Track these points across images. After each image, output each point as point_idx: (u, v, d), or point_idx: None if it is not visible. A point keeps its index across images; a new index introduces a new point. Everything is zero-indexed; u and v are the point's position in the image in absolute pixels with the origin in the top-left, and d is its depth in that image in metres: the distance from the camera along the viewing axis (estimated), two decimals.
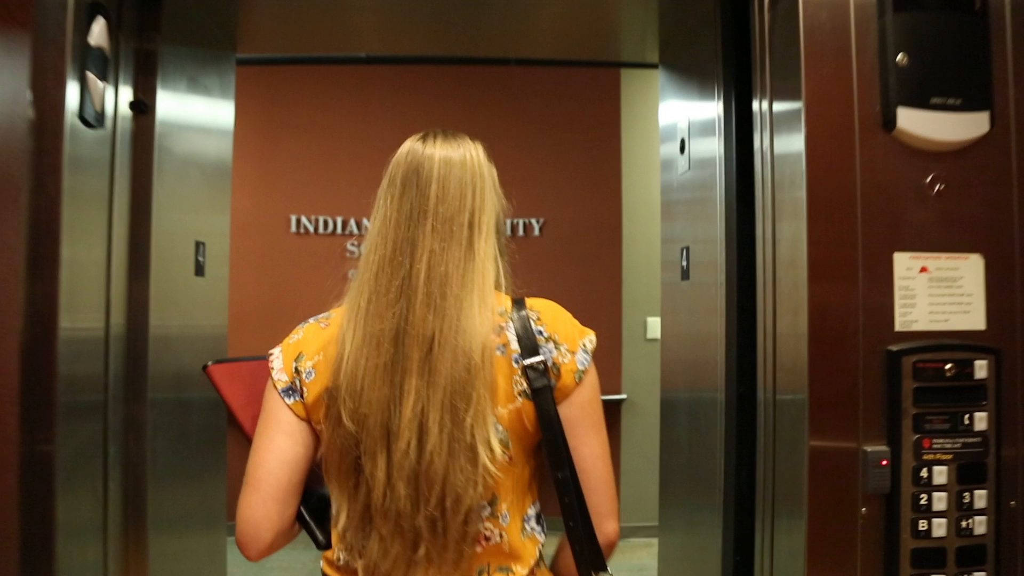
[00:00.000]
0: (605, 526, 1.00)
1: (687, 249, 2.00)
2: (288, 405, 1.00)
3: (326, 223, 4.52)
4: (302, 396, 1.00)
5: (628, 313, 4.46)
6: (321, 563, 1.07)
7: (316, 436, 1.01)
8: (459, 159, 1.01)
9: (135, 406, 1.66)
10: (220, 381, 1.12)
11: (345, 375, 0.95)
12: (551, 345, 0.98)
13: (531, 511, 1.01)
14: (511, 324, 0.98)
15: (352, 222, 4.53)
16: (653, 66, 2.46)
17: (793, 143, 1.42)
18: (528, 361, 0.96)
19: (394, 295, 0.95)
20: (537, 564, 1.01)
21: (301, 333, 1.06)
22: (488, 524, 0.97)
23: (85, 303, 1.50)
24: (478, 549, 0.97)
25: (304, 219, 4.51)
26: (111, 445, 1.58)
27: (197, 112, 2.04)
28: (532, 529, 1.01)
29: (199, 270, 2.02)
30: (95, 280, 1.53)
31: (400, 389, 0.93)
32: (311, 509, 1.05)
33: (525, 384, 0.96)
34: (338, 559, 1.02)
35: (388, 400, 0.93)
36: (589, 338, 1.02)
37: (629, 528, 4.34)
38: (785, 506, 1.44)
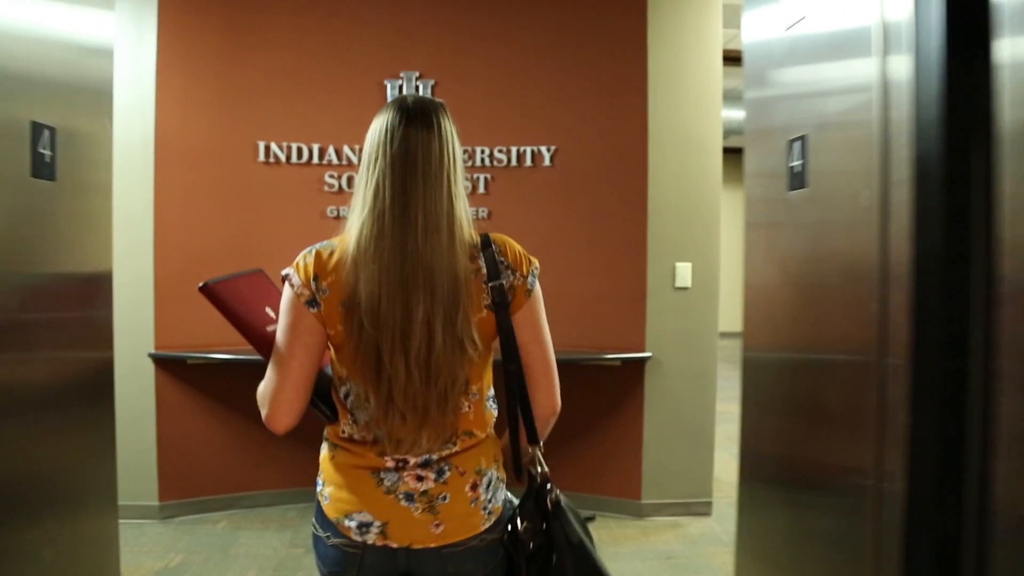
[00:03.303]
0: (549, 399, 1.35)
1: (802, 140, 1.35)
2: (312, 313, 1.26)
3: (299, 151, 3.90)
4: (320, 307, 1.26)
5: (654, 258, 3.83)
6: (326, 442, 1.34)
7: (327, 338, 1.29)
8: (434, 126, 1.27)
9: None
10: (222, 297, 1.27)
11: (365, 294, 1.23)
12: (509, 272, 1.31)
13: (490, 393, 1.38)
14: (481, 254, 1.30)
15: (331, 150, 3.90)
16: None
17: None
18: (493, 283, 1.29)
19: (399, 232, 1.23)
20: (489, 432, 1.37)
21: (311, 258, 1.27)
22: (466, 400, 1.31)
23: None
24: (459, 418, 1.31)
25: (274, 146, 3.89)
26: None
27: None
28: (491, 406, 1.37)
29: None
30: None
31: (411, 302, 1.23)
32: (316, 392, 1.30)
33: (490, 300, 1.29)
34: (343, 432, 1.31)
35: (403, 311, 1.23)
36: (535, 265, 1.34)
37: (651, 506, 3.82)
38: None
